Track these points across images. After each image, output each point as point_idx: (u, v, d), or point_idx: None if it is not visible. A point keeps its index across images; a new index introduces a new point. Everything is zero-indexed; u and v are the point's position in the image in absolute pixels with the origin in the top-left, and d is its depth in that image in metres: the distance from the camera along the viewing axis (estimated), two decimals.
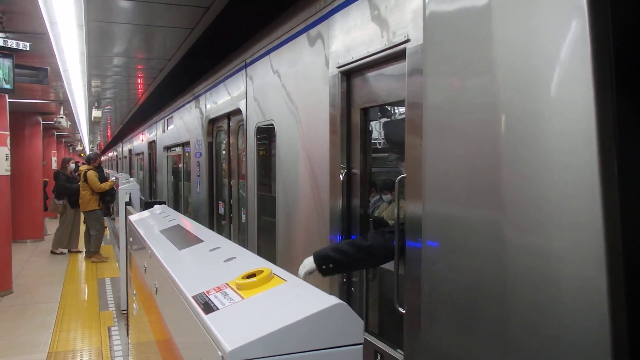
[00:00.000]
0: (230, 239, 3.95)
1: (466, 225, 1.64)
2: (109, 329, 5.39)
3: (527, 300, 1.41)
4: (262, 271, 1.18)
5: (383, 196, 5.24)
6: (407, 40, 2.02)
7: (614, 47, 1.28)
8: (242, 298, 1.10)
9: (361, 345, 0.96)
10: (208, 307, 1.10)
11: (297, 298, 1.04)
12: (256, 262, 1.33)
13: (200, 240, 1.84)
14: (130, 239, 3.09)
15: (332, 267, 2.22)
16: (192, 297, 1.20)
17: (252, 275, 1.18)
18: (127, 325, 4.94)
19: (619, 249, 1.25)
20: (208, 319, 1.04)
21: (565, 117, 1.34)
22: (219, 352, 0.91)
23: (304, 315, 0.93)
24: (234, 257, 1.46)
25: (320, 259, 2.22)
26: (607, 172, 1.25)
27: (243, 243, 4.40)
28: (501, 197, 1.49)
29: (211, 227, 5.33)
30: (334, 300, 0.96)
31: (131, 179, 7.53)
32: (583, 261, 1.28)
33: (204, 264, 1.56)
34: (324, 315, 0.94)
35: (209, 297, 1.17)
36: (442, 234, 1.76)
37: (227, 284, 1.21)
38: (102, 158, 28.56)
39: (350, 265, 2.33)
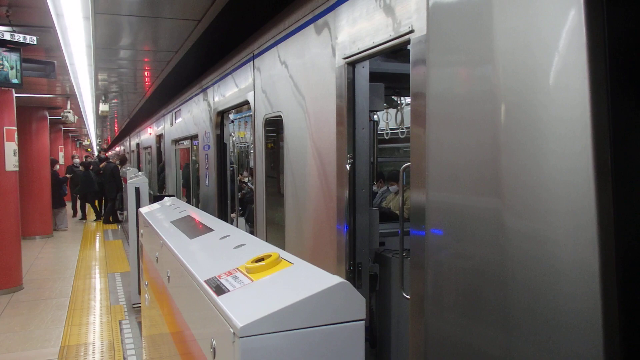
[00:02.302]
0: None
1: (468, 213, 1.68)
2: (120, 322, 5.46)
3: (525, 283, 1.45)
4: (270, 255, 1.22)
5: (390, 187, 5.29)
6: (411, 31, 2.04)
7: (609, 37, 1.32)
8: (252, 280, 1.15)
9: (363, 321, 1.00)
10: (219, 290, 1.15)
11: (303, 279, 1.09)
12: (265, 248, 1.37)
13: (210, 230, 1.89)
14: (141, 232, 3.15)
15: None
16: (204, 281, 1.25)
17: (261, 259, 1.23)
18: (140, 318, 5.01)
19: (611, 233, 1.29)
20: (220, 299, 1.09)
21: (561, 105, 1.38)
22: (231, 329, 0.96)
23: (309, 293, 0.98)
24: (244, 244, 1.51)
25: None
26: (601, 159, 1.29)
27: (252, 234, 4.45)
28: (500, 184, 1.53)
29: (222, 219, 5.39)
30: (337, 279, 1.01)
31: (140, 173, 7.59)
32: (577, 245, 1.32)
33: (214, 251, 1.61)
34: (327, 293, 0.99)
35: (220, 280, 1.21)
36: (444, 221, 1.80)
37: (237, 268, 1.26)
38: (109, 153, 28.73)
39: None
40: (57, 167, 12.92)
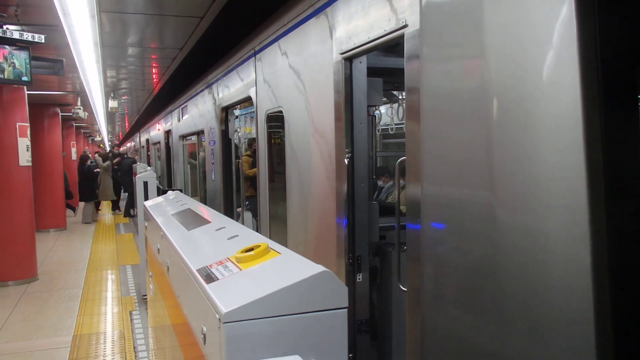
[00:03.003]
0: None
1: (462, 207, 1.70)
2: (130, 313, 5.58)
3: (517, 276, 1.48)
4: (259, 246, 1.27)
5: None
6: (405, 26, 2.06)
7: (600, 31, 1.33)
8: (240, 269, 1.20)
9: (346, 309, 1.05)
10: (209, 278, 1.20)
11: (288, 267, 1.13)
12: (256, 239, 1.42)
13: (207, 222, 1.94)
14: (146, 224, 3.22)
15: None
16: (196, 270, 1.31)
17: (251, 249, 1.27)
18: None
19: (603, 228, 1.30)
20: (209, 287, 1.14)
21: (553, 100, 1.39)
22: (217, 315, 1.01)
23: (293, 281, 1.02)
24: (237, 235, 1.56)
25: None
26: (593, 154, 1.31)
27: (256, 228, 4.51)
28: (493, 178, 1.56)
29: (227, 214, 5.46)
30: (320, 268, 1.05)
31: (148, 167, 7.70)
32: (569, 239, 1.34)
33: (209, 242, 1.66)
34: (311, 281, 1.03)
35: (211, 269, 1.27)
36: (439, 215, 1.83)
37: (228, 258, 1.31)
38: (121, 148, 29.02)
39: None
40: (89, 162, 13.27)
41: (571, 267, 1.34)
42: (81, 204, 13.24)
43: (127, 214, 13.56)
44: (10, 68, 5.32)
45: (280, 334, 1.03)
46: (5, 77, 5.34)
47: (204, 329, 1.16)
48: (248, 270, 1.19)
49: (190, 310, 1.41)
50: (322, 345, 1.05)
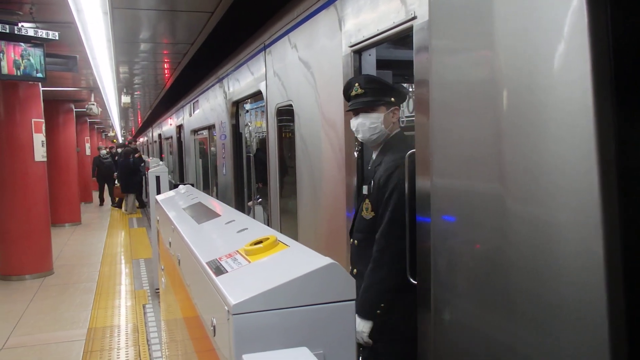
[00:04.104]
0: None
1: (472, 199, 1.69)
2: (143, 306, 5.64)
3: (527, 268, 1.47)
4: (268, 238, 1.28)
5: None
6: (414, 18, 2.04)
7: (612, 19, 1.31)
8: (249, 262, 1.21)
9: (353, 301, 1.05)
10: (219, 271, 1.22)
11: (296, 260, 1.14)
12: (265, 232, 1.43)
13: (217, 215, 1.96)
14: (157, 218, 3.26)
15: (382, 307, 2.21)
16: (206, 262, 1.32)
17: (259, 242, 1.28)
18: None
19: (616, 216, 1.29)
20: (218, 280, 1.15)
21: (563, 91, 1.37)
22: (226, 307, 1.02)
23: (301, 273, 1.03)
24: (246, 228, 1.57)
25: (365, 313, 2.21)
26: (605, 145, 1.29)
27: (267, 222, 4.53)
28: (503, 170, 1.54)
29: (238, 207, 5.50)
30: (327, 260, 1.06)
31: (160, 162, 7.78)
32: (581, 232, 1.33)
33: (219, 235, 1.68)
34: (318, 273, 1.04)
35: (220, 262, 1.28)
36: (449, 207, 1.82)
37: (237, 251, 1.33)
38: (135, 143, 29.34)
39: (388, 288, 2.24)
40: (136, 155, 13.56)
41: (583, 260, 1.33)
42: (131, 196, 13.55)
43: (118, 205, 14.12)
44: (26, 65, 5.40)
45: (289, 325, 1.04)
46: (21, 73, 5.42)
47: (214, 320, 1.17)
48: (257, 262, 1.20)
49: (200, 303, 1.42)
50: (330, 337, 1.06)
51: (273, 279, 1.06)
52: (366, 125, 2.35)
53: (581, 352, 1.34)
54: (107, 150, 17.11)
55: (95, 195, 16.33)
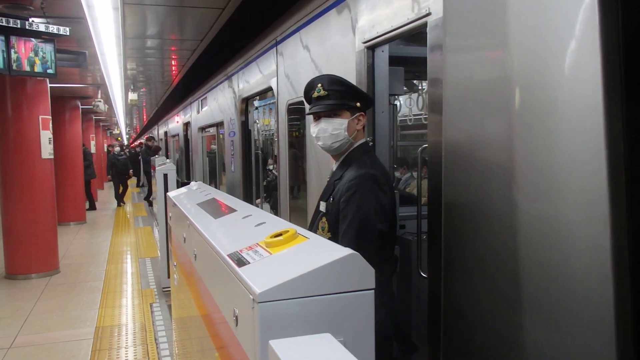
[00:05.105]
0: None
1: (483, 196, 1.71)
2: (151, 305, 5.65)
3: (537, 263, 1.49)
4: (287, 231, 1.30)
5: (414, 173, 5.27)
6: (428, 14, 2.05)
7: (622, 17, 1.32)
8: (270, 254, 1.23)
9: (372, 291, 1.07)
10: (241, 262, 1.24)
11: (317, 250, 1.16)
12: (283, 225, 1.45)
13: (233, 210, 1.98)
14: (170, 215, 3.28)
15: None
16: (227, 255, 1.34)
17: (279, 235, 1.30)
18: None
19: (624, 212, 1.30)
20: (241, 271, 1.17)
21: (573, 89, 1.39)
22: (250, 296, 1.04)
23: (322, 263, 1.05)
24: (264, 222, 1.59)
25: None
26: (614, 142, 1.30)
27: None
28: (514, 167, 1.56)
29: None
30: (348, 251, 1.08)
31: (167, 160, 7.80)
32: (589, 228, 1.34)
33: (237, 229, 1.70)
34: (339, 263, 1.06)
35: (242, 254, 1.30)
36: (461, 203, 1.84)
37: (257, 243, 1.34)
38: (138, 142, 29.44)
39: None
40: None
41: (592, 255, 1.34)
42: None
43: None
44: (37, 60, 5.43)
45: (310, 313, 1.05)
46: (35, 70, 5.45)
47: (236, 311, 1.19)
48: (278, 254, 1.22)
49: (220, 295, 1.44)
50: (350, 324, 1.08)
51: (295, 269, 1.07)
52: (328, 131, 2.12)
53: (588, 345, 1.35)
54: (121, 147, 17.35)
55: (101, 193, 16.39)
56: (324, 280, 1.06)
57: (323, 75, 2.25)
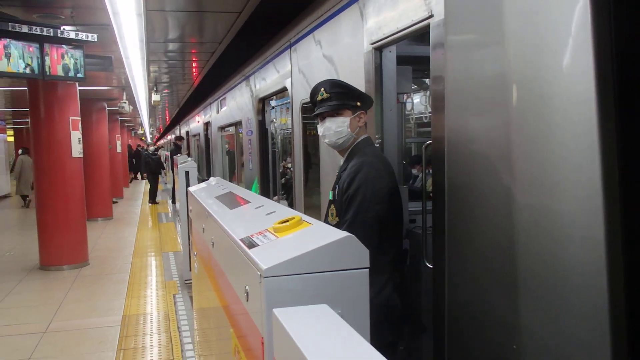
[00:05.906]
0: None
1: (483, 189, 1.79)
2: (174, 296, 5.90)
3: (533, 252, 1.56)
4: (293, 218, 1.45)
5: (429, 170, 5.33)
6: (431, 16, 2.15)
7: (614, 17, 1.39)
8: (277, 237, 1.38)
9: (367, 269, 1.21)
10: (251, 245, 1.39)
11: (317, 234, 1.30)
12: (291, 213, 1.60)
13: (247, 202, 2.14)
14: (191, 208, 3.46)
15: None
16: (240, 239, 1.49)
17: (286, 221, 1.45)
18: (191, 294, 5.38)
19: (616, 203, 1.36)
20: (251, 252, 1.32)
21: (568, 86, 1.45)
22: (258, 272, 1.19)
23: (322, 243, 1.19)
24: (274, 212, 1.74)
25: None
26: (607, 138, 1.36)
27: None
28: (512, 162, 1.64)
29: None
30: (344, 234, 1.22)
31: (189, 158, 8.05)
32: (584, 219, 1.41)
33: (249, 218, 1.85)
34: (337, 244, 1.20)
35: (252, 238, 1.45)
36: (462, 197, 1.93)
37: (266, 229, 1.49)
38: (162, 141, 29.97)
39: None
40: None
41: (586, 245, 1.41)
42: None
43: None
44: (68, 66, 5.74)
45: (311, 288, 1.19)
46: (68, 75, 5.78)
47: (247, 287, 1.34)
48: (284, 237, 1.37)
49: (234, 275, 1.60)
50: (346, 299, 1.21)
51: (297, 249, 1.22)
52: (332, 129, 2.35)
53: (583, 334, 1.43)
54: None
55: (126, 191, 16.82)
56: (322, 259, 1.19)
57: (325, 80, 2.48)
